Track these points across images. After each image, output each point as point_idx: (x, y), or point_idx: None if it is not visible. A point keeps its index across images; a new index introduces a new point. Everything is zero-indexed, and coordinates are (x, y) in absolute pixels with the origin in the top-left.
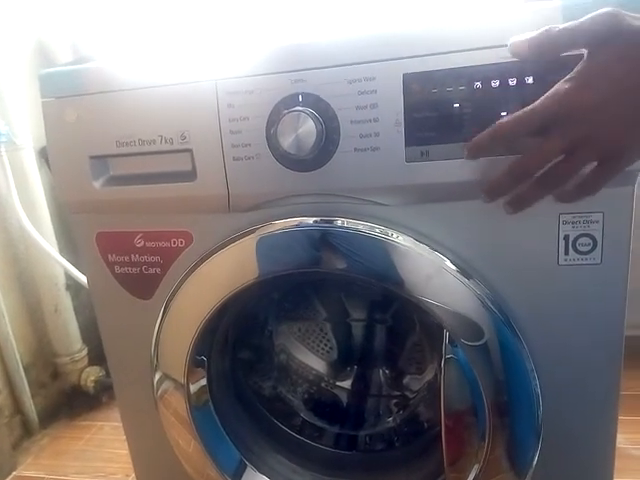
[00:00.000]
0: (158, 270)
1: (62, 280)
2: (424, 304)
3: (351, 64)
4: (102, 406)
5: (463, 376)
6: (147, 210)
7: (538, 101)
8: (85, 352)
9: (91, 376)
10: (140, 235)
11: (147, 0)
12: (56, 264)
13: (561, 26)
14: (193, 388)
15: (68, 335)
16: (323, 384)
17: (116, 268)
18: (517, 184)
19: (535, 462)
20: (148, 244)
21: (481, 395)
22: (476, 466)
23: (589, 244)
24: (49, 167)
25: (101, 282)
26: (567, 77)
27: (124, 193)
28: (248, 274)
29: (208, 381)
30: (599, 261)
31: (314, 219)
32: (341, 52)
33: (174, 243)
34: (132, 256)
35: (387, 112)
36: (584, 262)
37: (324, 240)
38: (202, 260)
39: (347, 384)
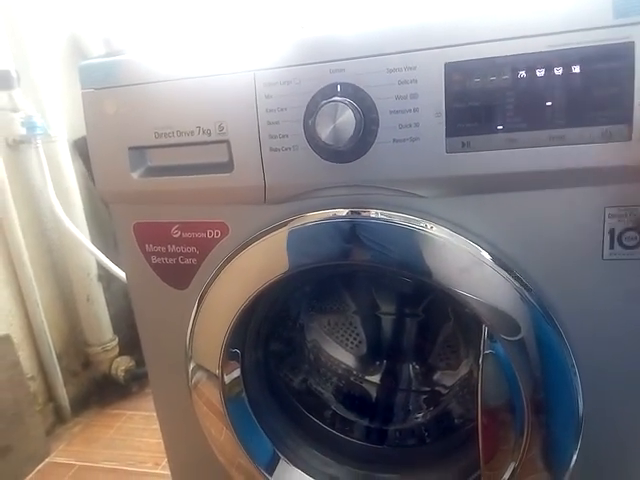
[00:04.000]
0: (194, 261)
1: (94, 271)
2: (460, 297)
3: (391, 53)
4: (132, 395)
5: (501, 372)
6: (184, 201)
7: None
8: (116, 342)
9: (121, 366)
10: (177, 226)
11: None
12: (88, 255)
13: None
14: (227, 379)
15: (99, 325)
16: (352, 378)
17: (153, 258)
18: None
19: (573, 462)
20: (185, 235)
21: (519, 391)
22: (512, 464)
23: (635, 238)
24: (82, 159)
25: (138, 272)
26: None
27: (162, 184)
28: (278, 268)
29: (241, 372)
30: None
31: (347, 210)
32: (380, 41)
33: (210, 234)
34: (169, 246)
35: (428, 102)
36: (630, 257)
37: (354, 232)
38: (237, 252)
39: (376, 378)
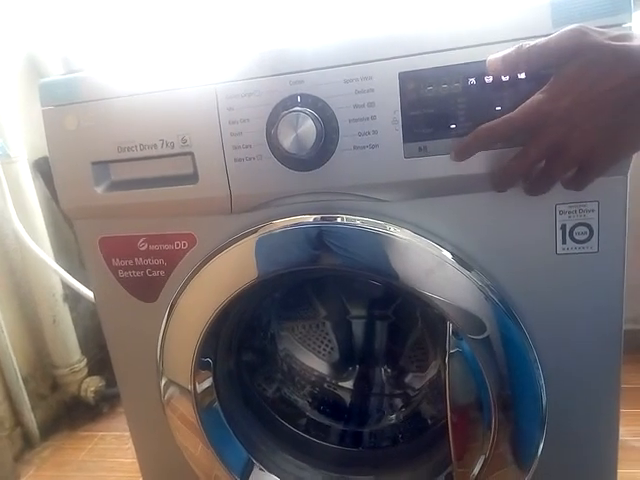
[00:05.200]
0: (162, 273)
1: (60, 291)
2: (426, 298)
3: (348, 64)
4: (103, 416)
5: (468, 370)
6: (150, 214)
7: (515, 111)
8: (84, 363)
9: (91, 387)
10: (143, 239)
11: (136, 12)
12: (53, 275)
13: (532, 43)
14: (199, 388)
15: (67, 346)
16: (326, 385)
17: (120, 272)
18: (516, 182)
19: (539, 454)
20: (152, 247)
21: (486, 388)
22: (482, 458)
23: (585, 233)
24: (43, 179)
25: (105, 287)
26: (541, 90)
27: (126, 198)
28: (248, 275)
29: (214, 382)
30: (596, 249)
31: (313, 217)
32: (338, 53)
33: (177, 245)
34: (136, 260)
35: (384, 110)
36: (581, 251)
37: (321, 237)
38: (205, 262)
39: (349, 384)
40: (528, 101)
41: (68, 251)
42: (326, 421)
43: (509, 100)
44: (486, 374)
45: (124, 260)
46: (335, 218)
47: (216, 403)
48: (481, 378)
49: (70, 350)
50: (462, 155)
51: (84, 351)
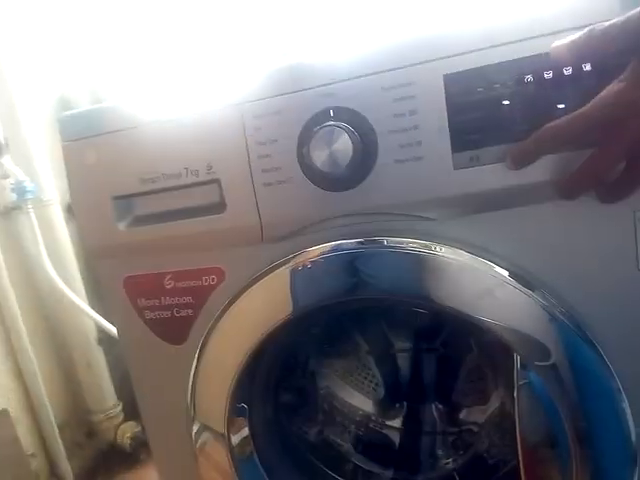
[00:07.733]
0: (190, 312)
1: (94, 334)
2: (483, 324)
3: (383, 71)
4: (140, 463)
5: (539, 402)
6: (176, 249)
7: (589, 103)
8: (120, 408)
9: (127, 432)
10: (170, 276)
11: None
12: (87, 319)
13: (605, 24)
14: (235, 439)
15: (102, 391)
16: (372, 424)
17: (146, 313)
18: (590, 188)
19: None
20: (178, 284)
21: (561, 421)
22: None
23: None
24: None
25: (131, 329)
26: (619, 78)
27: (151, 233)
28: (282, 310)
29: (250, 430)
30: None
31: (350, 242)
32: (371, 59)
33: (205, 281)
34: (162, 299)
35: (428, 118)
36: None
37: (360, 264)
38: (235, 298)
39: (398, 422)
40: (604, 92)
41: (101, 294)
42: (374, 468)
43: (575, 96)
44: (559, 405)
45: (150, 300)
46: (375, 241)
47: (254, 454)
48: (554, 409)
49: (105, 395)
50: (521, 161)
51: (119, 395)
